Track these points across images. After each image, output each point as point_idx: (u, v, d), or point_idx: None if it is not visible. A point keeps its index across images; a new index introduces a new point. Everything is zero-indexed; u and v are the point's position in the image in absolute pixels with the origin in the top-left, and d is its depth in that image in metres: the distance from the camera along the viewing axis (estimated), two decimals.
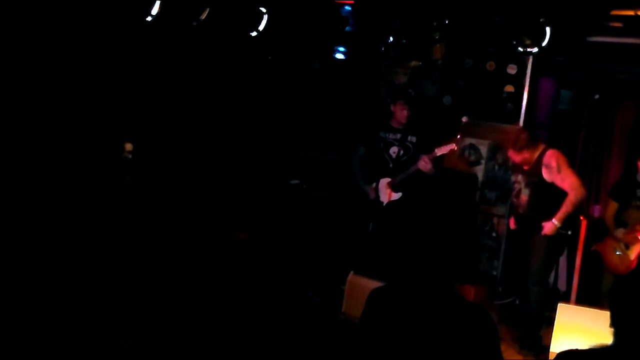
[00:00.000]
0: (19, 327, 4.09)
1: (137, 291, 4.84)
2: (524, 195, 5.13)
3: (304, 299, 5.64)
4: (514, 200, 5.27)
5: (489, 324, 2.28)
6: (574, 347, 2.32)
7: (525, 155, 5.07)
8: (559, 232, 5.04)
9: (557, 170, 4.99)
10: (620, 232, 5.21)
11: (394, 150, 5.85)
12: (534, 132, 5.39)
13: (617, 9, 5.32)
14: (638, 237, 5.09)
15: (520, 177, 5.18)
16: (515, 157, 5.12)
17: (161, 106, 5.76)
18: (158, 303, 4.81)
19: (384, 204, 5.90)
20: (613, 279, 5.26)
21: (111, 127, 5.30)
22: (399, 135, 5.86)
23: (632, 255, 5.12)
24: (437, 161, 5.73)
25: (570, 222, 5.10)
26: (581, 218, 5.74)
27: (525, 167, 5.12)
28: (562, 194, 5.03)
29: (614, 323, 2.24)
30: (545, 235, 5.04)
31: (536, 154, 5.07)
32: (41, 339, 4.06)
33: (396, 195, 5.89)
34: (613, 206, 5.32)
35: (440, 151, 5.53)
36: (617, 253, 5.20)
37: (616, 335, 2.23)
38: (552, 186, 5.01)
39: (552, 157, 5.02)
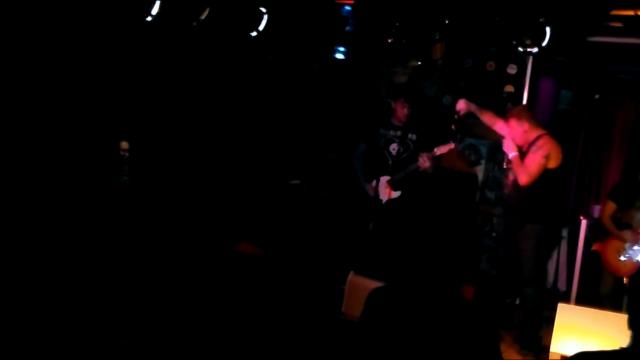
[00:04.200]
0: (18, 327, 4.08)
1: (137, 291, 4.83)
2: (512, 175, 5.14)
3: (303, 299, 5.63)
4: (504, 180, 5.31)
5: (488, 324, 2.28)
6: (574, 348, 2.32)
7: (525, 126, 5.05)
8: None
9: (536, 150, 4.99)
10: (624, 235, 5.19)
11: (393, 148, 5.89)
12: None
13: (617, 9, 5.32)
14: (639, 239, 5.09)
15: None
16: (515, 127, 5.09)
17: (161, 106, 5.76)
18: (158, 303, 4.81)
19: (383, 203, 5.92)
20: (612, 281, 5.27)
21: (109, 125, 5.30)
22: (399, 133, 5.90)
23: (635, 257, 5.11)
24: (436, 160, 5.74)
25: (545, 215, 5.13)
26: (581, 218, 5.75)
27: (523, 149, 5.09)
28: (548, 181, 5.04)
29: (632, 325, 2.23)
30: (532, 237, 5.06)
31: (534, 135, 5.07)
32: (41, 338, 4.06)
33: (395, 194, 5.90)
34: (610, 207, 5.31)
35: (439, 150, 5.55)
36: (622, 258, 5.18)
37: (634, 338, 2.21)
38: (544, 172, 5.01)
39: (547, 142, 5.03)
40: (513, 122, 5.11)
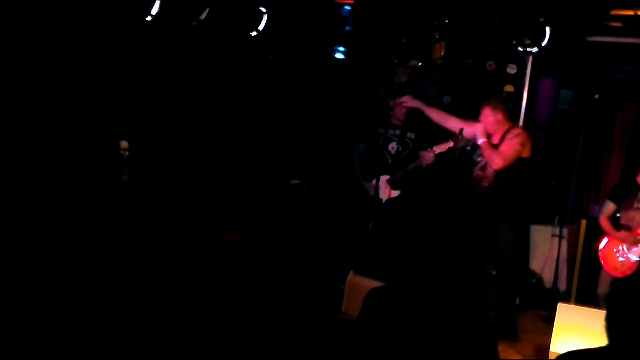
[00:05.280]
0: (19, 327, 4.09)
1: (137, 291, 4.84)
2: (491, 169, 5.16)
3: (304, 299, 5.63)
4: (479, 173, 5.27)
5: (485, 324, 2.28)
6: (574, 348, 2.33)
7: (499, 117, 5.13)
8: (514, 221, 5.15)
9: (512, 137, 5.06)
10: (621, 235, 5.20)
11: (392, 147, 5.92)
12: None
13: (617, 9, 5.32)
14: (638, 239, 5.10)
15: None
16: (489, 116, 5.14)
17: (161, 106, 5.76)
18: (158, 303, 4.81)
19: (383, 202, 5.93)
20: (610, 281, 5.27)
21: (109, 125, 5.30)
22: (398, 132, 5.93)
23: (634, 258, 5.12)
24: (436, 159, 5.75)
25: (513, 212, 5.17)
26: (582, 221, 5.76)
27: (495, 141, 5.15)
28: (525, 171, 5.12)
29: (609, 324, 2.26)
30: (513, 234, 5.13)
31: (507, 126, 5.15)
32: (41, 339, 4.07)
33: (395, 193, 5.92)
34: (610, 208, 5.32)
35: (439, 149, 5.55)
36: (620, 259, 5.19)
37: (611, 336, 2.24)
38: (518, 161, 5.07)
39: (520, 132, 5.12)
40: (487, 111, 5.17)
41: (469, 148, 5.68)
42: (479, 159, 5.28)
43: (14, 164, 4.78)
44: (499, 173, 5.08)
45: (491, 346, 2.28)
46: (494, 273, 6.38)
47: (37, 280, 4.61)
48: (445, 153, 5.59)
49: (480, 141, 5.13)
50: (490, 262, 5.43)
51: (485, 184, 5.20)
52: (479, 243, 5.28)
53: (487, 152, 5.10)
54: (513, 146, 5.04)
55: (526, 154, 5.11)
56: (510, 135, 5.08)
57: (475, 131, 5.20)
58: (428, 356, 2.23)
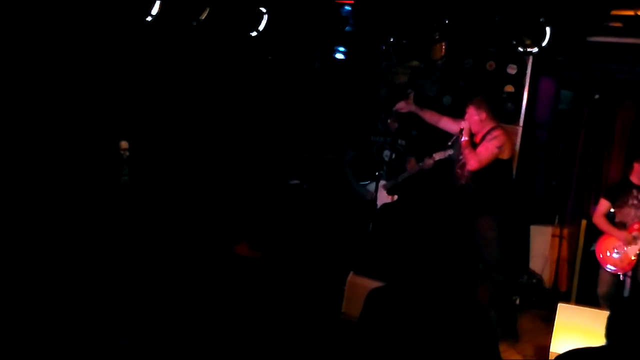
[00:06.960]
0: (19, 327, 4.08)
1: (137, 291, 4.83)
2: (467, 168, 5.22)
3: (304, 299, 5.63)
4: (458, 171, 5.34)
5: (487, 324, 2.28)
6: (574, 348, 2.35)
7: (482, 116, 5.19)
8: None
9: (491, 139, 5.12)
10: (618, 234, 5.22)
11: (385, 154, 5.99)
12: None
13: (617, 9, 5.33)
14: (635, 235, 5.12)
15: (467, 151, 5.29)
16: (473, 115, 5.20)
17: (161, 106, 5.76)
18: (158, 303, 4.81)
19: (379, 206, 5.97)
20: (610, 281, 5.29)
21: (109, 125, 5.30)
22: (389, 139, 6.00)
23: (631, 254, 5.14)
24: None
25: (498, 204, 5.21)
26: (582, 221, 5.77)
27: (477, 140, 5.21)
28: (502, 171, 5.19)
29: (608, 334, 2.31)
30: (491, 227, 5.15)
31: (489, 125, 5.20)
32: (41, 339, 4.06)
33: (392, 198, 5.97)
34: (604, 205, 5.36)
35: (438, 156, 5.57)
36: (615, 255, 5.21)
37: (609, 341, 2.29)
38: (496, 162, 5.13)
39: (499, 134, 5.15)
40: (471, 110, 5.23)
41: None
42: (460, 157, 5.34)
43: (14, 164, 4.78)
44: (475, 173, 5.15)
45: (493, 346, 2.28)
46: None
47: (37, 281, 4.61)
48: (444, 160, 5.63)
49: (462, 139, 5.20)
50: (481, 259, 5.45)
51: (462, 181, 5.28)
52: (467, 239, 5.31)
53: (466, 152, 5.18)
54: (489, 149, 5.11)
55: (505, 155, 5.18)
56: (489, 137, 5.15)
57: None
58: (429, 356, 2.23)
